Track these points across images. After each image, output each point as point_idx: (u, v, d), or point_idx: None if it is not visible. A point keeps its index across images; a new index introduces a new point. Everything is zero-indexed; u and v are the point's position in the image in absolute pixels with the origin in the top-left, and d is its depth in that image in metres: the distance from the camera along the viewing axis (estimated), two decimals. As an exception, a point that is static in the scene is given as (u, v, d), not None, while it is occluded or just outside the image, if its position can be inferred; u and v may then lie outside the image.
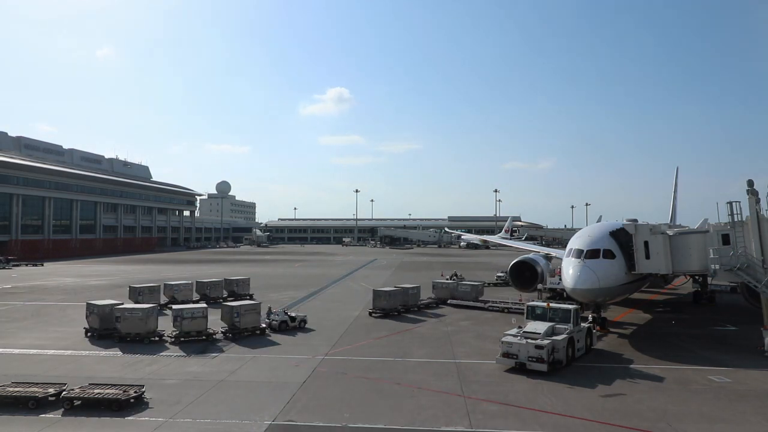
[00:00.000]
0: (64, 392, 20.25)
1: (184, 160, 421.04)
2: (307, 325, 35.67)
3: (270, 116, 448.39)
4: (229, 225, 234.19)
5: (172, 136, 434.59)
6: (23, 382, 21.37)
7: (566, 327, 26.78)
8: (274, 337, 32.98)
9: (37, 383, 21.34)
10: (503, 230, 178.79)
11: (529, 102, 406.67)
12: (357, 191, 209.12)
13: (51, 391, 20.36)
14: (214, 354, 28.60)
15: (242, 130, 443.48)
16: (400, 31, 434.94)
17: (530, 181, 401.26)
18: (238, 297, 46.67)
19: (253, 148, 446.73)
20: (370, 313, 40.90)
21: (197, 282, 49.57)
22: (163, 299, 45.13)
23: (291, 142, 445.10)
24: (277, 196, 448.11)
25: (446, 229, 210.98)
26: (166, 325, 33.16)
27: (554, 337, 25.66)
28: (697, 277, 48.03)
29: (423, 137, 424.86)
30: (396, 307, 41.30)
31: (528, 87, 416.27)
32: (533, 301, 35.82)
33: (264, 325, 34.20)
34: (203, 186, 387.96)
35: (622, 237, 33.31)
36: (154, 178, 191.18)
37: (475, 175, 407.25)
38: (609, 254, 32.09)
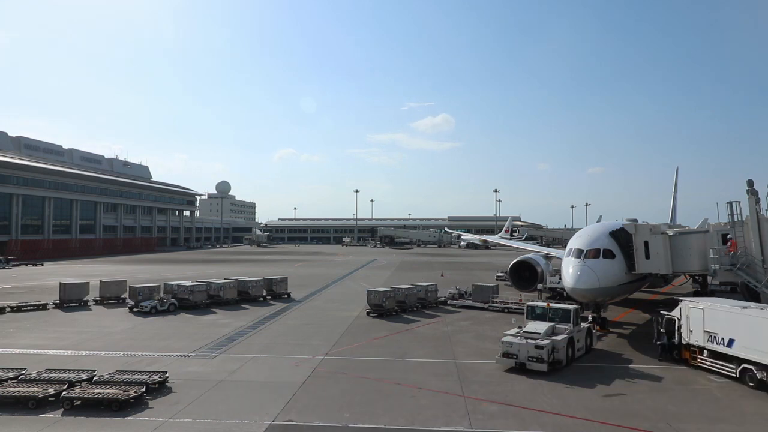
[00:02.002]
0: (64, 392, 20.30)
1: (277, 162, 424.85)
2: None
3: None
4: (229, 225, 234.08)
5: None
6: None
7: (566, 327, 26.79)
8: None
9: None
10: (503, 230, 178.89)
11: (534, 102, 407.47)
12: (357, 191, 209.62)
13: (51, 391, 20.41)
14: (214, 354, 28.60)
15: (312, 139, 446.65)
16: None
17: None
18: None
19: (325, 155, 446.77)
20: (368, 313, 40.95)
21: (196, 281, 49.46)
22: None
23: (342, 139, 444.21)
24: (278, 196, 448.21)
25: (446, 229, 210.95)
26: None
27: (554, 337, 25.66)
28: (697, 277, 48.01)
29: (463, 136, 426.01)
30: (393, 307, 41.51)
31: (533, 85, 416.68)
32: (533, 301, 35.80)
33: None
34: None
35: (622, 237, 33.28)
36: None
37: (500, 175, 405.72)
38: (609, 254, 32.05)
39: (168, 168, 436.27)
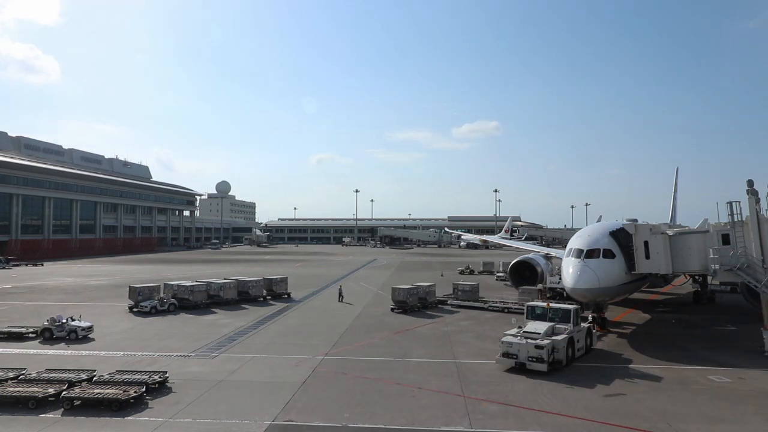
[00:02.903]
0: (64, 392, 20.31)
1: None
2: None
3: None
4: (229, 225, 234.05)
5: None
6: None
7: (566, 327, 26.77)
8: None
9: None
10: (503, 230, 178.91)
11: (535, 101, 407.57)
12: (357, 191, 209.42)
13: (51, 391, 20.42)
14: (214, 354, 28.61)
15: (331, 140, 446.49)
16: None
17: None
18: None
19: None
20: (392, 309, 42.38)
21: (196, 281, 49.46)
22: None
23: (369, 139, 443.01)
24: (278, 196, 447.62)
25: (446, 229, 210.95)
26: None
27: (554, 337, 25.65)
28: (697, 277, 48.03)
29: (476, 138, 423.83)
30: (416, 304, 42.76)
31: (534, 84, 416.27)
32: (533, 301, 35.81)
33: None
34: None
35: (622, 237, 33.28)
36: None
37: (517, 175, 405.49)
38: (609, 254, 32.06)
39: (211, 173, 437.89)
